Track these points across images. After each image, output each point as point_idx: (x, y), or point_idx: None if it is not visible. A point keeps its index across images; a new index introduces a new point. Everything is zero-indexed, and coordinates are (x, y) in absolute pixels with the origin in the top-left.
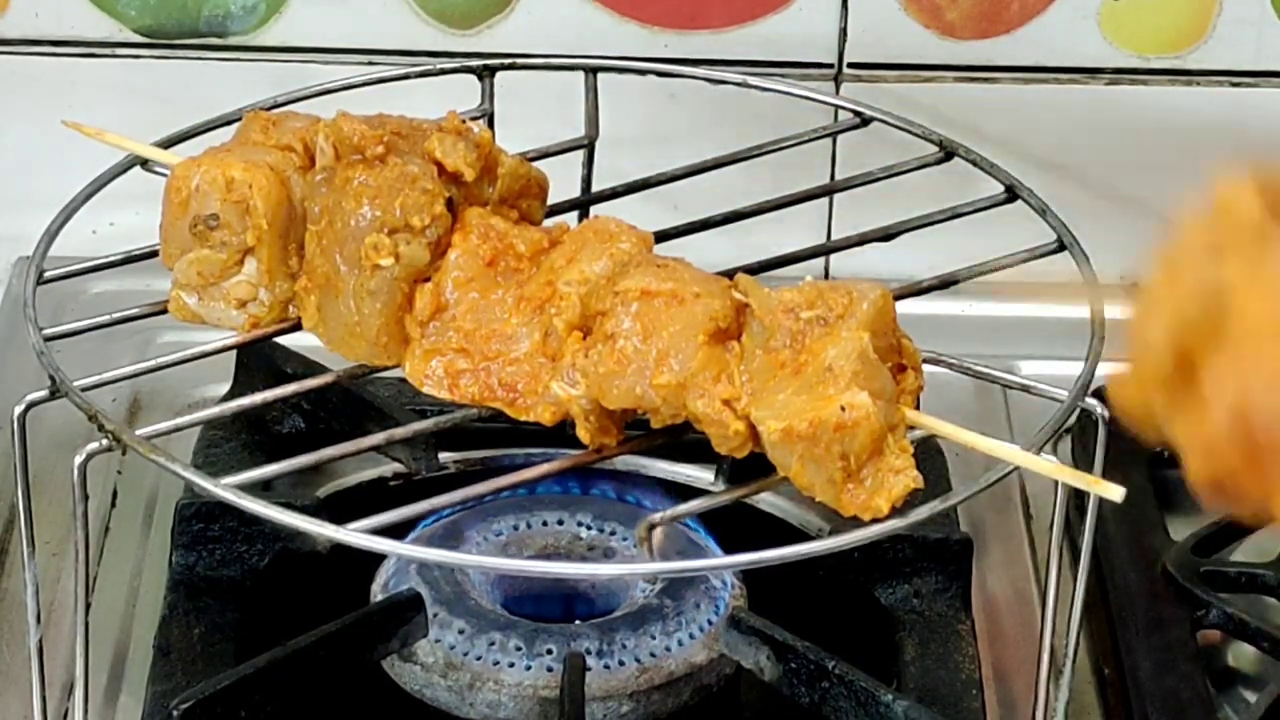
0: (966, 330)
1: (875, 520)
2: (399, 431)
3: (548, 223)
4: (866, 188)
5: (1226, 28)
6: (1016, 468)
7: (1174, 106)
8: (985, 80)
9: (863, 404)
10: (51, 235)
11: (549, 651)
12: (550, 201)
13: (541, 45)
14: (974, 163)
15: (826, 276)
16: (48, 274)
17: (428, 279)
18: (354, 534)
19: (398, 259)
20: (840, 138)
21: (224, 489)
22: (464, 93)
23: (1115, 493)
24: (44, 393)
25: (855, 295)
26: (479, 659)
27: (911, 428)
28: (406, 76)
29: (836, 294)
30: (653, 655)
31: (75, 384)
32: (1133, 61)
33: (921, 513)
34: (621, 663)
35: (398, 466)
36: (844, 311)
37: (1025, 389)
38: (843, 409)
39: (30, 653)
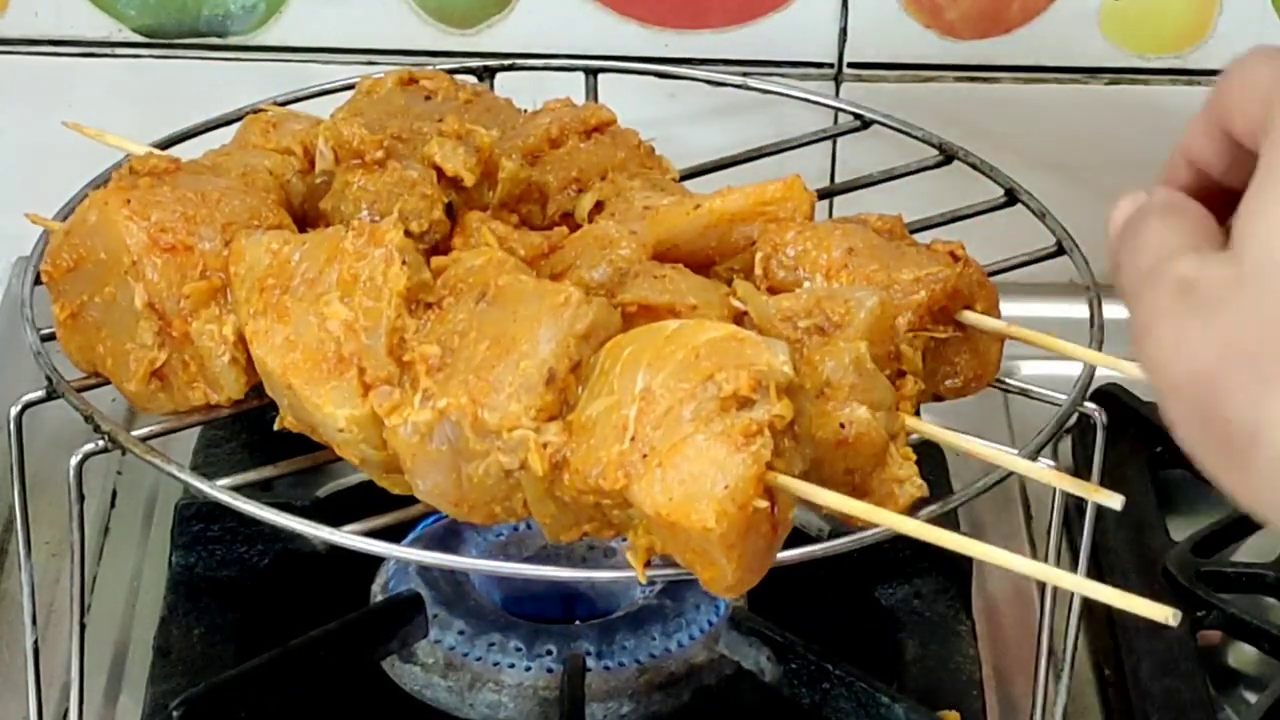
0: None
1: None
2: None
3: None
4: (866, 190)
5: (1227, 28)
6: (1013, 473)
7: (1174, 106)
8: (985, 80)
9: (862, 419)
10: (49, 235)
11: (549, 652)
12: None
13: (541, 44)
14: (974, 166)
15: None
16: None
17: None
18: (350, 536)
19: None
20: (840, 139)
21: (219, 490)
22: None
23: (1114, 501)
24: (40, 393)
25: (852, 304)
26: (479, 659)
27: (911, 433)
28: None
29: (834, 302)
30: (653, 656)
31: (72, 384)
32: (1133, 61)
33: (920, 516)
34: (621, 663)
35: None
36: (842, 320)
37: (1024, 393)
38: (842, 425)
39: (26, 653)
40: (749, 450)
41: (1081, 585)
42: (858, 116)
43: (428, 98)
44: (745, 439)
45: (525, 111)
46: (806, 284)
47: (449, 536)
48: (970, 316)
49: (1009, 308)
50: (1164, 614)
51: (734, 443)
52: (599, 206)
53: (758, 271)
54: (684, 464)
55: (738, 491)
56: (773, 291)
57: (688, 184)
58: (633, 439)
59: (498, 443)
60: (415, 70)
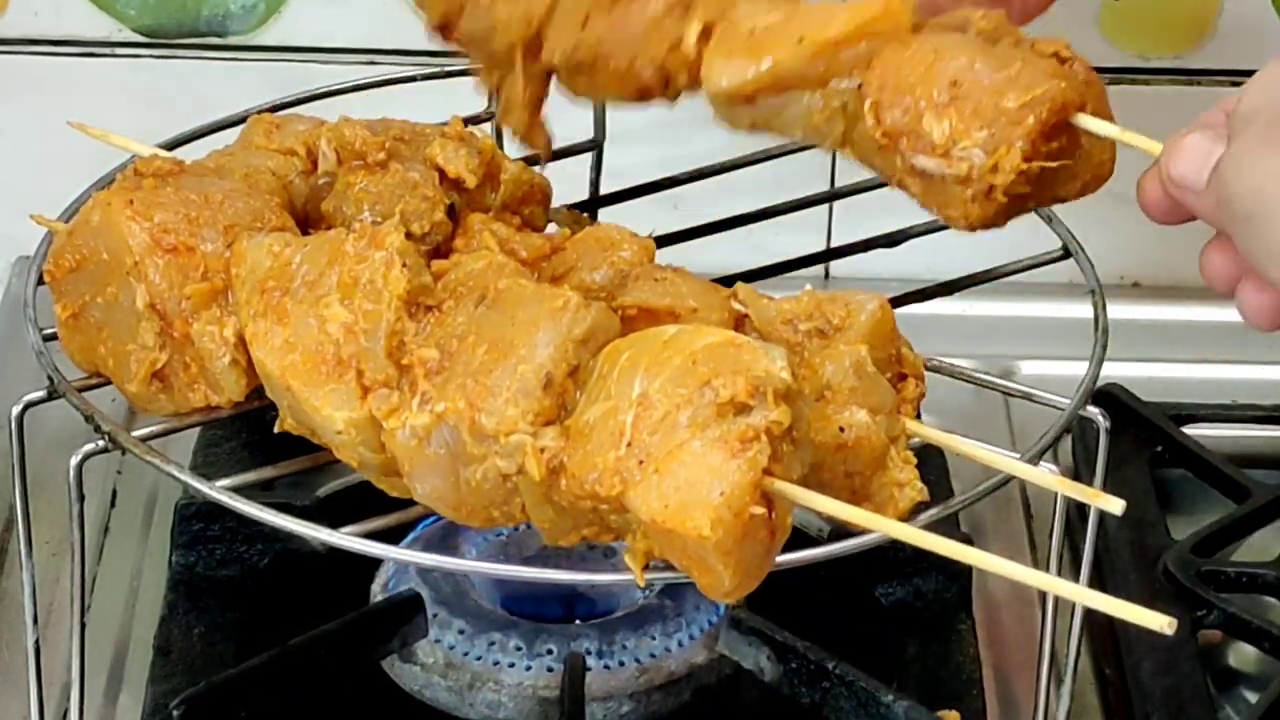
0: (967, 330)
1: None
2: None
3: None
4: (868, 193)
5: (1228, 28)
6: (1014, 477)
7: (1174, 107)
8: None
9: (862, 423)
10: (52, 235)
11: (549, 651)
12: (558, 203)
13: None
14: None
15: (827, 278)
16: None
17: None
18: (348, 538)
19: None
20: None
21: (218, 491)
22: (469, 95)
23: (1115, 505)
24: (42, 393)
25: (853, 307)
26: (479, 659)
27: (912, 436)
28: (413, 79)
29: (834, 305)
30: (653, 656)
31: (73, 384)
32: (1133, 61)
33: (920, 520)
34: (621, 663)
35: None
36: (842, 323)
37: (1026, 396)
38: (841, 429)
39: (28, 653)
40: (745, 456)
41: (1080, 594)
42: None
43: None
44: (742, 445)
45: None
46: (925, 123)
47: (449, 537)
48: (1084, 120)
49: (1012, 308)
50: (1160, 622)
51: (730, 449)
52: (706, 33)
53: (869, 120)
54: (680, 470)
55: (734, 498)
56: (888, 137)
57: (693, 185)
58: (629, 445)
59: (495, 447)
60: None
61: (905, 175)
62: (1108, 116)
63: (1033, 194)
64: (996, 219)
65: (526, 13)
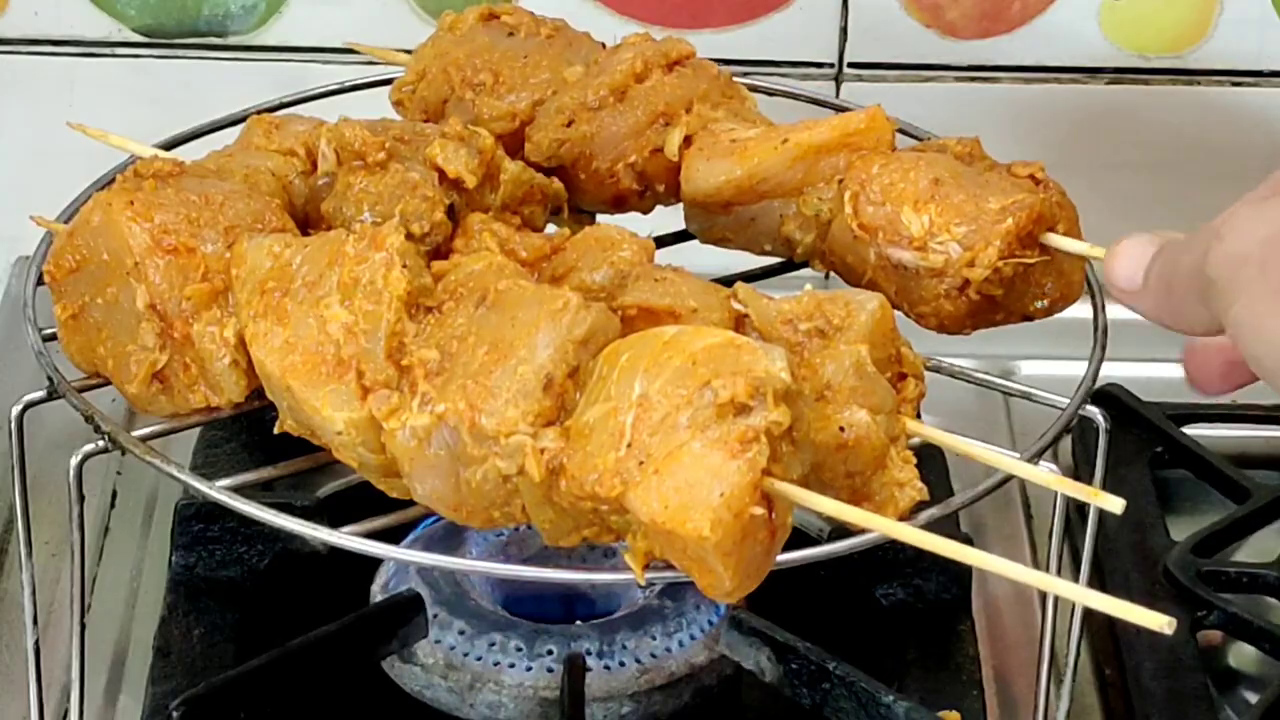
0: None
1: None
2: None
3: None
4: None
5: (1227, 27)
6: (1014, 476)
7: (1174, 106)
8: (985, 80)
9: (862, 422)
10: (52, 235)
11: (549, 652)
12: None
13: None
14: None
15: (827, 278)
16: None
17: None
18: (348, 538)
19: None
20: None
21: (218, 491)
22: None
23: (1115, 505)
24: (42, 393)
25: (853, 307)
26: (479, 660)
27: (912, 436)
28: None
29: (835, 305)
30: (653, 656)
31: (73, 384)
32: (1133, 61)
33: (920, 520)
34: (622, 663)
35: None
36: (842, 323)
37: (1026, 396)
38: (842, 429)
39: (28, 653)
40: (745, 457)
41: (1080, 594)
42: None
43: (510, 34)
44: (741, 446)
45: (605, 46)
46: (904, 216)
47: (449, 537)
48: (1054, 239)
49: None
50: (1160, 622)
51: (730, 450)
52: (687, 141)
53: (847, 210)
54: (680, 471)
55: (733, 499)
56: (865, 230)
57: None
58: (629, 446)
59: (495, 448)
60: (496, 5)
61: (877, 271)
62: (1078, 237)
63: (1002, 303)
64: (965, 321)
65: (511, 109)
